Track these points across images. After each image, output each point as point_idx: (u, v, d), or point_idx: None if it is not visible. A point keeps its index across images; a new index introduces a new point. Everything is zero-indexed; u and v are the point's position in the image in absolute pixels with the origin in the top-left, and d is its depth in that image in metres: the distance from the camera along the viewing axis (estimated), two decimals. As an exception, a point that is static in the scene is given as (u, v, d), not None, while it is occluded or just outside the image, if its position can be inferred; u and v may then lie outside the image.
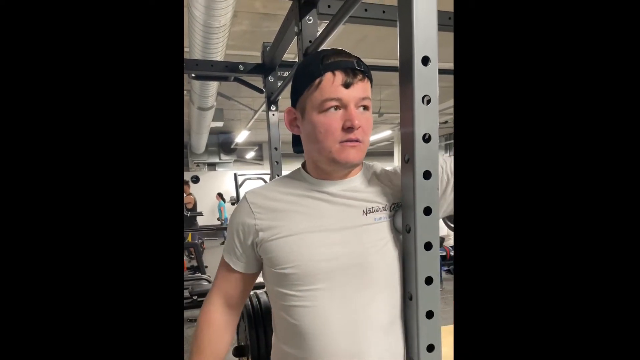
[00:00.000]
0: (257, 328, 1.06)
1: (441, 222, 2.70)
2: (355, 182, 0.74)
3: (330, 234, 0.69)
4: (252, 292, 1.13)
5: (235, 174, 10.70)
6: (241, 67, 1.57)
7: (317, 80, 0.66)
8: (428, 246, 0.59)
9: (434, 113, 0.56)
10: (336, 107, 0.66)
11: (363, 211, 0.70)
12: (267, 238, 0.71)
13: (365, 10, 1.06)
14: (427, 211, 0.58)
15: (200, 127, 6.15)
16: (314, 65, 0.67)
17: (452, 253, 5.49)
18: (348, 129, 0.66)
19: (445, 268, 5.61)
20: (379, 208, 0.71)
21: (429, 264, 0.59)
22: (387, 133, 8.52)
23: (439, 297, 0.61)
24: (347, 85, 0.65)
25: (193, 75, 1.69)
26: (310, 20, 0.99)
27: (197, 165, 10.58)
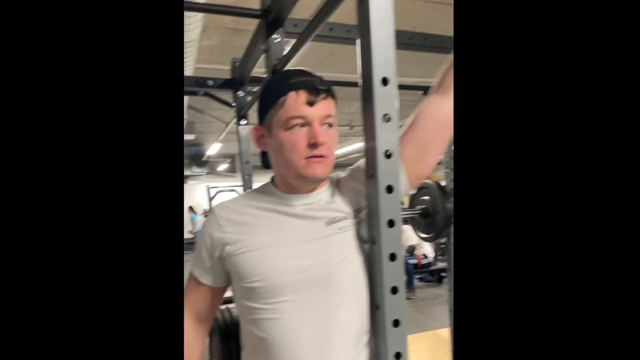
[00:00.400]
0: (229, 343, 1.05)
1: (412, 232, 2.75)
2: (322, 194, 0.76)
3: (295, 247, 0.71)
4: (223, 307, 1.13)
5: (207, 187, 10.55)
6: (210, 82, 1.58)
7: (282, 99, 0.69)
8: (392, 257, 0.61)
9: (394, 130, 0.59)
10: (301, 125, 0.69)
11: (326, 222, 0.73)
12: (233, 252, 0.72)
13: (331, 29, 1.10)
14: (391, 223, 0.61)
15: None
16: (279, 84, 0.70)
17: (423, 261, 5.58)
18: (313, 145, 0.68)
19: (418, 276, 5.70)
20: (342, 217, 0.73)
21: (394, 274, 0.62)
22: (358, 145, 8.63)
23: (405, 306, 0.63)
24: (310, 104, 0.68)
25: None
26: (277, 38, 1.02)
27: (168, 179, 10.39)
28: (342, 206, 0.75)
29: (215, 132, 7.37)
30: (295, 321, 0.68)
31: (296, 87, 0.69)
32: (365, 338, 0.71)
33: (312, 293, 0.69)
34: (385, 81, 0.58)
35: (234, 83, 1.69)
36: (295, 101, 0.68)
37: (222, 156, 10.66)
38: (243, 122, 1.76)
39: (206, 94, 1.70)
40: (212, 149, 8.30)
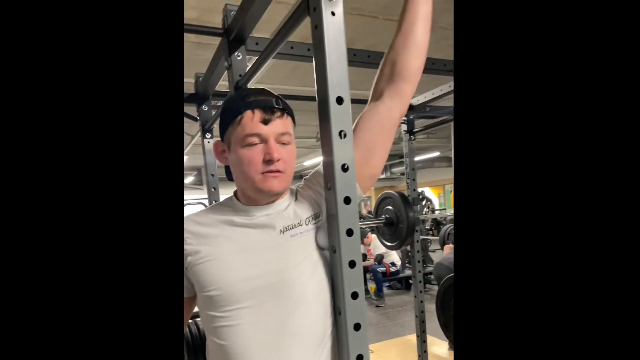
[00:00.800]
0: (197, 356, 1.06)
1: (378, 241, 2.81)
2: (282, 205, 0.80)
3: (251, 255, 0.74)
4: (191, 321, 1.13)
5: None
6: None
7: (239, 117, 0.73)
8: (352, 264, 0.65)
9: (349, 145, 0.64)
10: (257, 142, 0.73)
11: (280, 230, 0.76)
12: (193, 262, 0.75)
13: (292, 47, 1.14)
14: (350, 232, 0.64)
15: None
16: (236, 103, 0.74)
17: (391, 269, 5.68)
18: (268, 161, 0.72)
19: (387, 284, 5.79)
20: (295, 225, 0.77)
21: (353, 280, 0.65)
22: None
23: (366, 310, 0.67)
24: (265, 122, 0.73)
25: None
26: (239, 56, 1.05)
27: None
28: (298, 214, 0.78)
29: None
30: (251, 327, 0.71)
31: (252, 106, 0.73)
32: (327, 341, 0.74)
33: (267, 299, 0.72)
34: (339, 100, 0.62)
35: (197, 97, 1.70)
36: (252, 119, 0.72)
37: (188, 169, 10.47)
38: (208, 135, 1.77)
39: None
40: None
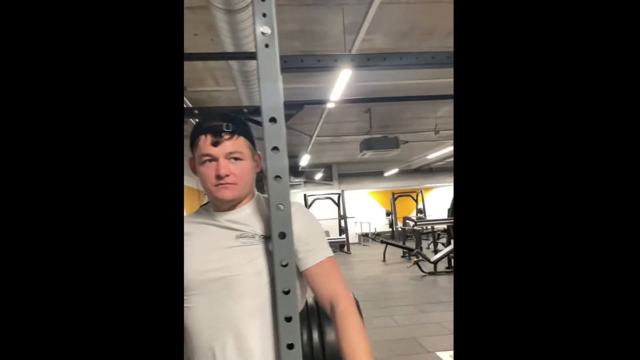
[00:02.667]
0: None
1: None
2: (243, 212, 0.93)
3: (209, 252, 0.91)
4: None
5: (305, 195, 11.15)
6: (245, 110, 1.83)
7: (197, 140, 0.90)
8: (285, 264, 0.74)
9: (282, 159, 0.73)
10: (209, 160, 0.89)
11: (236, 236, 0.90)
12: None
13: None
14: (282, 236, 0.74)
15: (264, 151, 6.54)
16: (195, 128, 0.91)
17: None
18: (217, 176, 0.87)
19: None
20: (249, 235, 0.90)
21: (286, 278, 0.74)
22: (447, 150, 8.38)
23: (297, 305, 0.75)
24: (215, 144, 0.88)
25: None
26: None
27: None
28: (253, 225, 0.91)
29: (305, 144, 7.81)
30: (199, 310, 0.88)
31: (205, 132, 0.88)
32: (261, 329, 0.86)
33: (215, 289, 0.88)
34: (273, 120, 0.72)
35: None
36: (205, 142, 0.88)
37: (315, 166, 11.18)
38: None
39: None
40: (304, 161, 8.81)
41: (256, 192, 1.00)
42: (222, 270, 0.88)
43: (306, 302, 1.41)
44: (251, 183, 0.94)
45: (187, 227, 0.97)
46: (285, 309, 0.75)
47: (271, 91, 0.72)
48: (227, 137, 0.88)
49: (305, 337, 1.29)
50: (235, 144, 0.89)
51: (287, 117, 2.15)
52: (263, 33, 0.71)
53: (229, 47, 2.57)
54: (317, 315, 1.39)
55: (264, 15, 0.71)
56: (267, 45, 0.71)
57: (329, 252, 0.92)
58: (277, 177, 0.73)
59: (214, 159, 0.89)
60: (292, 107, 2.30)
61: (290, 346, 0.75)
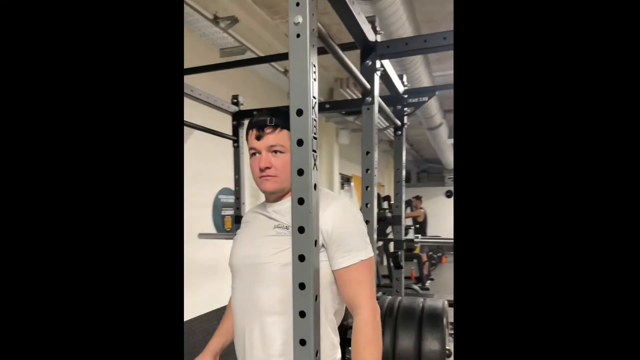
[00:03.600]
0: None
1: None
2: (285, 204, 0.93)
3: (252, 240, 0.96)
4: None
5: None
6: (327, 106, 1.81)
7: (247, 135, 0.96)
8: (301, 258, 0.73)
9: (306, 152, 0.71)
10: (255, 153, 0.94)
11: (274, 226, 0.92)
12: None
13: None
14: (301, 230, 0.73)
15: (439, 144, 6.39)
16: (247, 124, 0.97)
17: None
18: (260, 169, 0.92)
19: None
20: (284, 226, 0.90)
21: (301, 272, 0.73)
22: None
23: (312, 300, 0.73)
24: (258, 138, 0.92)
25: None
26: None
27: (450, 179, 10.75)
28: (289, 217, 0.89)
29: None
30: (236, 293, 0.96)
31: (251, 126, 0.94)
32: (282, 318, 0.87)
33: (247, 275, 0.93)
34: (299, 112, 0.71)
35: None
36: (251, 136, 0.94)
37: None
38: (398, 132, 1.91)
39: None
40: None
41: None
42: (254, 257, 0.92)
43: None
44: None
45: (247, 216, 1.06)
46: (299, 304, 0.74)
47: (300, 83, 0.70)
48: (269, 130, 0.91)
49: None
50: (277, 137, 0.92)
51: (418, 105, 2.05)
52: (295, 23, 0.69)
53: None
54: (394, 320, 1.33)
55: (297, 4, 0.69)
56: (298, 35, 0.70)
57: (365, 254, 0.87)
58: (300, 170, 0.72)
59: (257, 152, 0.94)
60: (423, 94, 2.16)
61: (302, 342, 0.74)
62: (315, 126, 0.73)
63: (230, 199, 2.93)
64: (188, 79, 1.73)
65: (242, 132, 2.07)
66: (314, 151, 0.73)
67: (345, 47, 1.20)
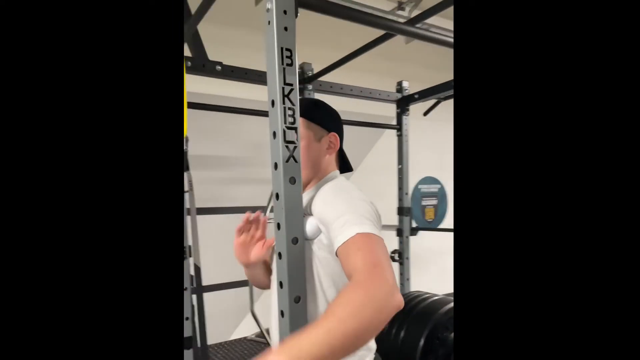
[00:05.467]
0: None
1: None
2: (308, 195, 0.82)
3: None
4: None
5: None
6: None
7: None
8: (280, 255, 0.70)
9: (278, 146, 0.67)
10: None
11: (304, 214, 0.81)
12: None
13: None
14: (278, 226, 0.70)
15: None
16: None
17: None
18: None
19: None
20: (306, 213, 0.78)
21: (280, 271, 0.71)
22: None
23: (289, 300, 0.69)
24: None
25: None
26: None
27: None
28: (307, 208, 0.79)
29: None
30: (273, 280, 0.89)
31: None
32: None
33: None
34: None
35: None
36: None
37: None
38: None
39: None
40: None
41: (327, 176, 0.88)
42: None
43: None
44: (311, 164, 0.85)
45: None
46: (280, 303, 0.72)
47: (270, 71, 0.67)
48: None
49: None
50: (300, 125, 0.81)
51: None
52: (267, 9, 0.66)
53: None
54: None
55: None
56: (269, 22, 0.66)
57: (360, 227, 0.68)
58: (275, 164, 0.69)
59: None
60: None
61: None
62: (291, 115, 0.68)
63: (433, 187, 2.83)
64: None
65: (406, 119, 1.97)
66: (290, 142, 0.68)
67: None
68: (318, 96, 1.73)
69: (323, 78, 1.71)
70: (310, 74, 1.71)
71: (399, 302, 0.60)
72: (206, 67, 1.47)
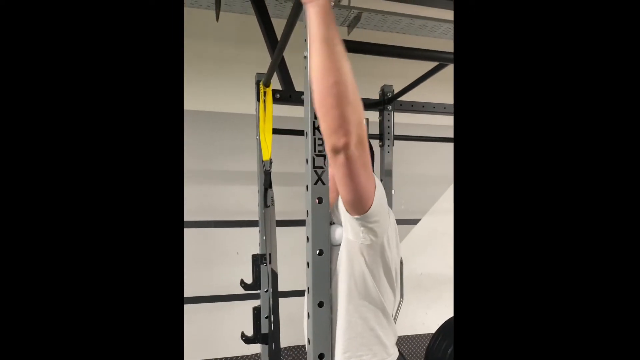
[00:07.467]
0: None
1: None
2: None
3: None
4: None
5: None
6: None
7: None
8: (320, 253, 0.80)
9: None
10: None
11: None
12: None
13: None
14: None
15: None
16: None
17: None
18: None
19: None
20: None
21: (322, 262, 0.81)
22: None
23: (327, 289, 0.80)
24: None
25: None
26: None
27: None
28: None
29: None
30: None
31: None
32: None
33: None
34: (306, 134, 0.80)
35: None
36: None
37: None
38: None
39: None
40: None
41: None
42: None
43: None
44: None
45: None
46: (307, 306, 0.82)
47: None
48: None
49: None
50: None
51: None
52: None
53: None
54: None
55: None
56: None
57: None
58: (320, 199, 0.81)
59: None
60: None
61: (309, 342, 0.82)
62: (320, 145, 0.79)
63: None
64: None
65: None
66: (319, 168, 0.79)
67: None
68: (398, 115, 1.79)
69: (403, 98, 1.76)
70: (390, 95, 1.78)
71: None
72: (292, 97, 1.65)
